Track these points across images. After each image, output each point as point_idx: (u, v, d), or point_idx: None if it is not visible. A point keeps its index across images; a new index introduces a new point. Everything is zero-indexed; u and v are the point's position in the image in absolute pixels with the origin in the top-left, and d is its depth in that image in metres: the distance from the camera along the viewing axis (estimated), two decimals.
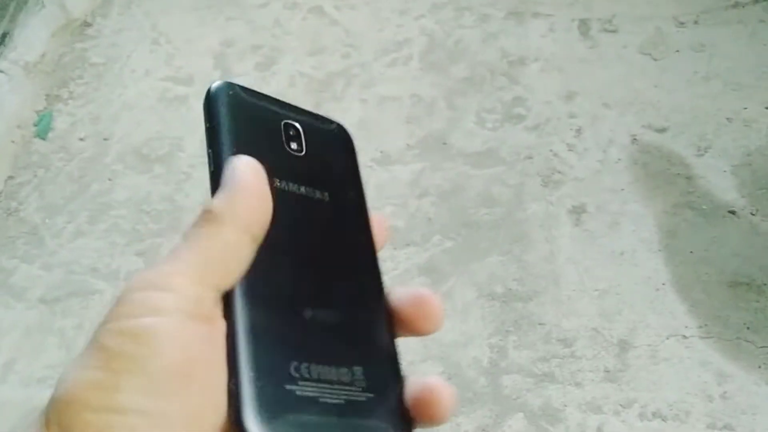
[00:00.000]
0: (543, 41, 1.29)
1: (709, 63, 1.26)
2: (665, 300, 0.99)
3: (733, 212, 1.08)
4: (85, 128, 1.29)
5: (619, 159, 1.12)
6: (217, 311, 0.27)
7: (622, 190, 1.07)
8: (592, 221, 1.04)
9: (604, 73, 1.22)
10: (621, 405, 0.91)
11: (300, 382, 0.29)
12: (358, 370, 0.30)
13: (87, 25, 1.49)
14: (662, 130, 1.18)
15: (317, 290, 0.32)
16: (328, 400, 0.29)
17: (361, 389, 0.30)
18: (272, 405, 0.28)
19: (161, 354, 0.25)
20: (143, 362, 0.25)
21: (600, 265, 1.00)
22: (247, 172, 0.28)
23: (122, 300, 0.25)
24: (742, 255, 1.02)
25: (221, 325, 0.27)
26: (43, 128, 1.33)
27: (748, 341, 0.97)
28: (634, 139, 1.16)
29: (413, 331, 0.31)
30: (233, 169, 0.28)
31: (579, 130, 1.16)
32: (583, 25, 1.30)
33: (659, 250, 1.02)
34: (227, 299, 0.29)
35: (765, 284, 1.00)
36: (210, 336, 0.26)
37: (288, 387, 0.29)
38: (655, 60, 1.26)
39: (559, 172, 1.10)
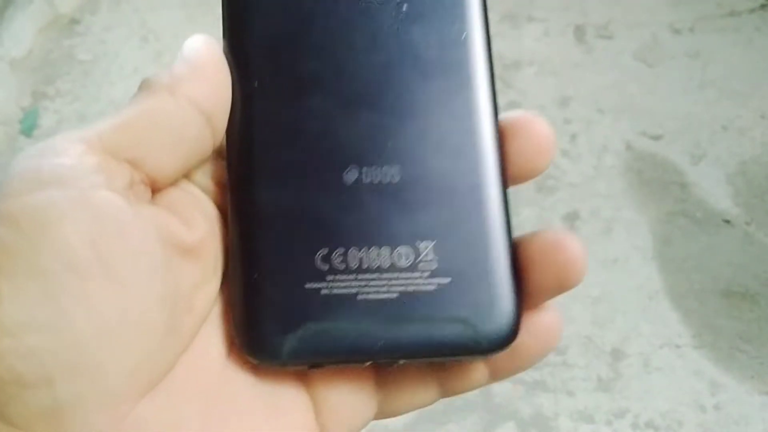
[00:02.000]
0: (538, 45, 1.29)
1: (704, 70, 1.26)
2: (658, 308, 0.98)
3: (727, 221, 1.07)
4: (71, 126, 1.28)
5: (613, 165, 1.11)
6: (138, 195, 0.20)
7: (616, 196, 1.07)
8: (586, 227, 1.03)
9: (599, 79, 1.22)
10: (613, 414, 0.90)
11: (329, 277, 0.21)
12: (426, 246, 0.22)
13: (75, 21, 1.47)
14: (657, 138, 1.17)
15: (371, 137, 0.22)
16: (371, 296, 0.21)
17: (428, 274, 0.21)
18: (284, 317, 0.21)
19: (56, 241, 0.18)
20: (31, 256, 0.18)
21: (593, 271, 0.99)
22: (198, 44, 0.22)
23: (7, 178, 0.19)
24: (736, 264, 1.02)
25: (151, 210, 0.20)
26: (28, 126, 1.31)
27: (741, 351, 0.96)
28: (629, 145, 1.15)
29: (520, 167, 0.23)
30: (184, 46, 0.22)
31: (573, 136, 1.15)
32: (579, 31, 1.30)
33: (653, 258, 1.02)
34: (228, 167, 0.22)
35: (759, 294, 1.00)
36: (132, 215, 0.19)
37: (310, 286, 0.21)
38: (650, 67, 1.25)
39: (553, 178, 1.09)
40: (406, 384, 0.23)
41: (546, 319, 0.22)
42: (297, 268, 0.22)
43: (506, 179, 0.23)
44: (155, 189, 0.21)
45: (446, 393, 0.24)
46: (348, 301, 0.21)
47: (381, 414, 0.24)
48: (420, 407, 0.24)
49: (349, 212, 0.22)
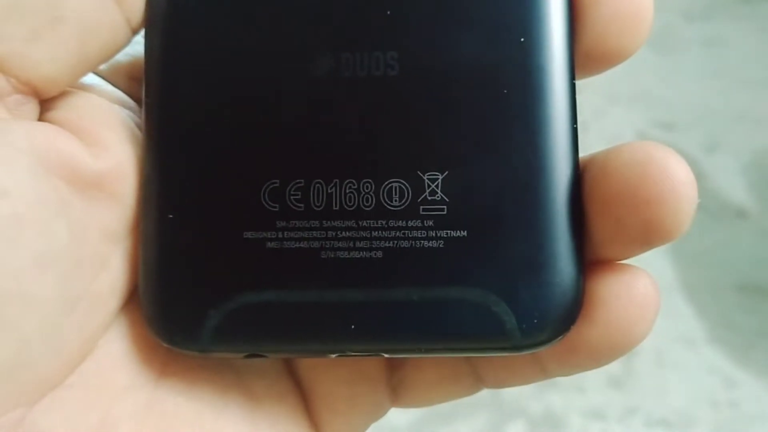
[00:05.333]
0: None
1: (718, 58, 1.24)
2: (672, 303, 0.96)
3: (742, 213, 1.05)
4: None
5: None
6: (12, 109, 0.15)
7: None
8: None
9: (614, 69, 1.20)
10: (625, 412, 0.89)
11: (279, 224, 0.15)
12: (432, 179, 0.15)
13: None
14: (670, 128, 1.16)
15: (357, 8, 0.15)
16: (342, 254, 0.15)
17: (433, 223, 0.14)
18: (209, 281, 0.15)
19: None
20: None
21: None
22: None
23: None
24: (752, 258, 1.00)
25: (29, 128, 0.15)
26: None
27: (757, 346, 0.95)
28: (641, 135, 1.14)
29: (598, 45, 0.16)
30: None
31: (585, 126, 1.13)
32: None
33: (666, 252, 1.00)
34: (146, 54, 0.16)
35: None
36: None
37: (250, 236, 0.15)
38: (663, 55, 1.24)
39: None
40: (430, 372, 0.19)
41: (632, 289, 0.16)
42: (231, 208, 0.15)
43: (572, 66, 0.16)
44: (43, 99, 0.16)
45: (489, 385, 0.19)
46: (306, 260, 0.15)
47: (402, 405, 0.20)
48: (456, 399, 0.19)
49: (315, 123, 0.15)
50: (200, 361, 0.17)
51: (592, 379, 0.89)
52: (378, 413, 0.19)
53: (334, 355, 0.16)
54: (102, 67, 0.18)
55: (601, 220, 0.16)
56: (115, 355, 0.17)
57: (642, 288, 0.16)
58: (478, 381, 0.19)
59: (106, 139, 0.16)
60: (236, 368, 0.18)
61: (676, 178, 0.15)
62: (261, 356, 0.16)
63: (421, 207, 0.15)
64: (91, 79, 0.18)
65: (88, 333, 0.16)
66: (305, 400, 0.18)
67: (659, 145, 0.16)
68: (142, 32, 0.17)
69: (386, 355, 0.16)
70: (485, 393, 0.83)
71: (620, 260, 0.17)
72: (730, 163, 1.11)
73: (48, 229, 0.14)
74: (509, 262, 0.15)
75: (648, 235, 0.16)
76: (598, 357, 0.17)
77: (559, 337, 0.16)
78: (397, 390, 0.19)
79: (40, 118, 0.17)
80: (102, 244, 0.16)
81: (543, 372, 0.18)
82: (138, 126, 0.17)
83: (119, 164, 0.16)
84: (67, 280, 0.15)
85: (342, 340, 0.15)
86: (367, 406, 0.19)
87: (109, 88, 0.18)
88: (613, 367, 0.90)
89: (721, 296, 0.98)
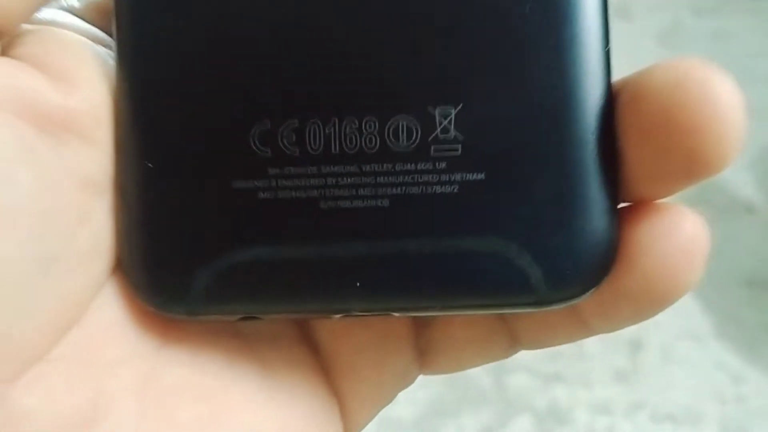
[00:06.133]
0: None
1: (726, 53, 1.23)
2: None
3: (749, 209, 1.05)
4: None
5: None
6: None
7: None
8: None
9: (619, 63, 1.19)
10: (631, 407, 0.89)
11: (272, 171, 0.13)
12: (444, 114, 0.13)
13: None
14: None
15: None
16: (343, 204, 0.13)
17: (446, 165, 0.13)
18: (195, 237, 0.14)
19: None
20: None
21: None
22: None
23: None
24: (758, 253, 1.00)
25: None
26: None
27: (764, 342, 0.94)
28: None
29: None
30: None
31: None
32: None
33: None
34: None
35: None
36: None
37: (240, 186, 0.13)
38: (672, 50, 1.23)
39: None
40: (461, 331, 0.17)
41: (677, 230, 0.14)
42: (217, 155, 0.13)
43: None
44: (3, 33, 0.14)
45: (526, 345, 0.17)
46: (304, 211, 0.13)
47: (431, 369, 0.18)
48: (489, 361, 0.17)
49: (310, 53, 0.13)
50: (205, 328, 0.16)
51: (598, 373, 0.89)
52: (405, 380, 0.17)
53: (338, 316, 0.15)
54: (75, 4, 0.16)
55: (637, 153, 0.14)
56: (108, 323, 0.15)
57: (689, 229, 0.15)
58: (513, 341, 0.17)
59: (77, 75, 0.14)
60: (245, 335, 0.16)
61: (719, 99, 0.13)
62: (256, 318, 0.15)
63: (433, 147, 0.13)
64: (62, 17, 0.16)
65: (70, 297, 0.14)
66: (325, 367, 0.17)
67: (699, 61, 0.14)
68: None
69: (396, 315, 0.15)
70: (490, 388, 0.84)
71: (660, 198, 0.15)
72: (737, 158, 1.10)
73: (7, 177, 0.13)
74: (533, 207, 0.13)
75: (691, 168, 0.14)
76: (641, 309, 0.15)
77: (592, 290, 0.14)
78: (425, 352, 0.17)
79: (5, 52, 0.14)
80: (79, 194, 0.14)
81: (585, 328, 0.16)
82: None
83: (92, 103, 0.14)
84: (36, 235, 0.13)
85: (346, 299, 0.14)
86: (394, 370, 0.17)
87: (84, 25, 0.16)
88: (620, 362, 0.90)
89: (728, 291, 0.98)
